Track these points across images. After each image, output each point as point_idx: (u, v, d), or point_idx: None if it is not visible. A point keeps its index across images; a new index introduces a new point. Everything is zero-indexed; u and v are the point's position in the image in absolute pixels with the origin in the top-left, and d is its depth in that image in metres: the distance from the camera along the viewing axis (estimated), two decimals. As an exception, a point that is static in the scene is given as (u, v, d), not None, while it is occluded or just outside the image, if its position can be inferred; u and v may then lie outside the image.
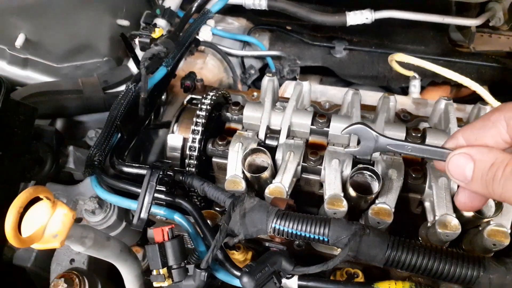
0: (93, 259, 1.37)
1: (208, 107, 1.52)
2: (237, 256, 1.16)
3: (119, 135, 1.41)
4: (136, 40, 1.62)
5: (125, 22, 1.89)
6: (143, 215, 1.09)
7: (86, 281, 1.38)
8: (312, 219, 1.06)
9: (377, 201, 1.23)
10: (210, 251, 0.99)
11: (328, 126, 1.48)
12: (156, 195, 1.18)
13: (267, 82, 1.57)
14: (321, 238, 1.03)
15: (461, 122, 1.54)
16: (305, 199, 1.52)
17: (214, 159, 1.51)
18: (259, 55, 2.49)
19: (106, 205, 1.46)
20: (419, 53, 2.30)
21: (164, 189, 1.19)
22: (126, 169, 1.30)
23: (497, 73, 2.22)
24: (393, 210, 1.21)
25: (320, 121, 1.49)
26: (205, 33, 2.32)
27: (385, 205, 1.21)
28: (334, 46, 2.43)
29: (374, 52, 2.38)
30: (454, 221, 1.16)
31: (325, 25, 2.14)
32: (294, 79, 2.55)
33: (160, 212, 1.17)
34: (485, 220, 1.15)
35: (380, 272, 1.25)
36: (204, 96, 1.56)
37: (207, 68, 2.31)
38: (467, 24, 2.10)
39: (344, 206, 1.24)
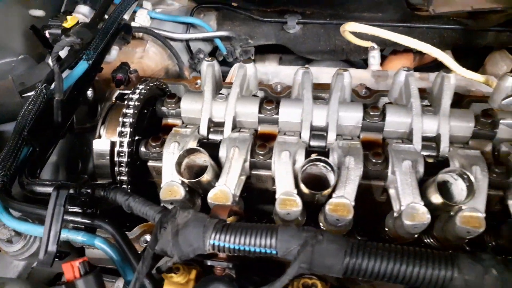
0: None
1: (136, 103, 1.31)
2: (177, 278, 0.99)
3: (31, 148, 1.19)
4: (47, 32, 1.38)
5: (39, 12, 1.64)
6: (51, 247, 0.89)
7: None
8: (256, 229, 0.89)
9: (334, 195, 1.07)
10: (131, 285, 0.80)
11: (278, 113, 1.31)
12: (71, 218, 0.98)
13: (206, 68, 1.37)
14: (268, 251, 0.87)
15: (424, 93, 1.38)
16: (259, 197, 1.34)
17: (150, 163, 1.31)
18: (206, 37, 2.25)
19: (27, 230, 1.24)
20: (377, 21, 2.11)
21: (80, 211, 0.99)
22: (38, 189, 1.09)
23: (460, 36, 2.07)
24: (352, 203, 1.05)
25: (268, 107, 1.31)
26: (141, 18, 2.09)
27: (343, 199, 1.05)
28: (286, 21, 2.22)
29: (329, 24, 2.19)
30: (422, 210, 1.01)
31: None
32: (250, 60, 2.35)
33: (77, 238, 0.98)
34: (456, 206, 1.00)
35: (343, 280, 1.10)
36: (133, 90, 1.35)
37: (148, 56, 2.07)
38: (424, -17, 1.94)
39: (297, 205, 1.08)
